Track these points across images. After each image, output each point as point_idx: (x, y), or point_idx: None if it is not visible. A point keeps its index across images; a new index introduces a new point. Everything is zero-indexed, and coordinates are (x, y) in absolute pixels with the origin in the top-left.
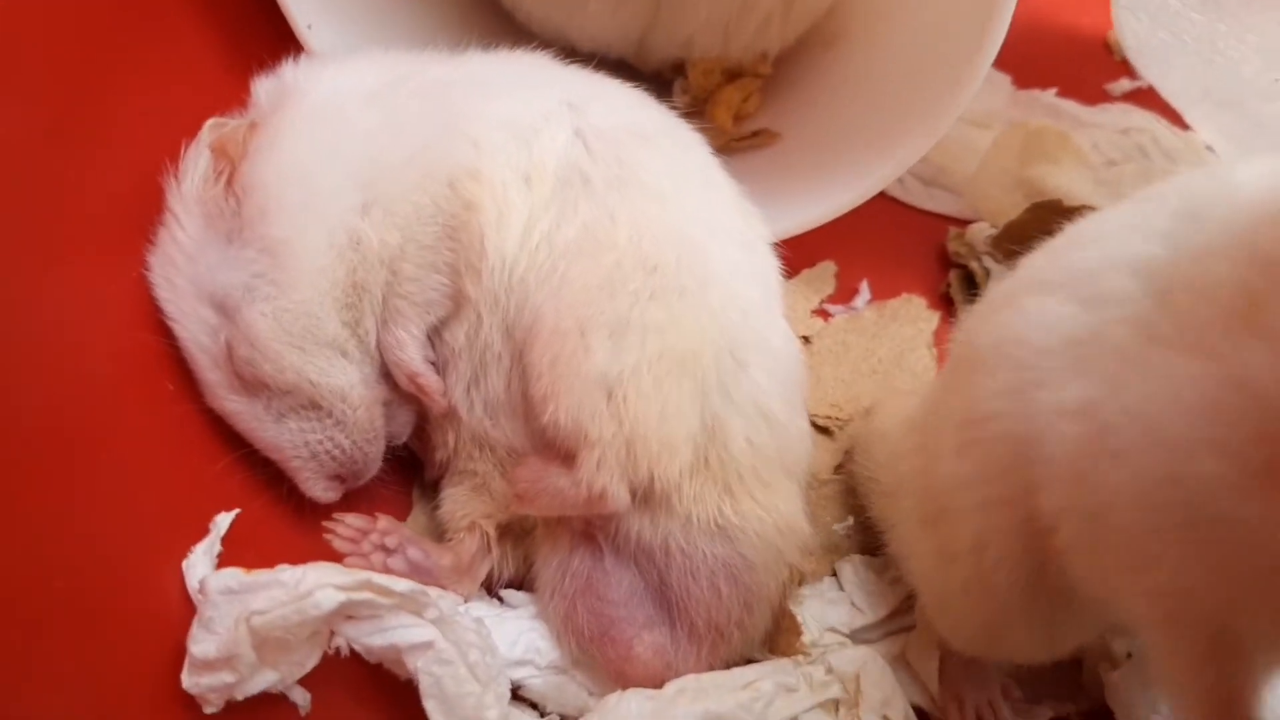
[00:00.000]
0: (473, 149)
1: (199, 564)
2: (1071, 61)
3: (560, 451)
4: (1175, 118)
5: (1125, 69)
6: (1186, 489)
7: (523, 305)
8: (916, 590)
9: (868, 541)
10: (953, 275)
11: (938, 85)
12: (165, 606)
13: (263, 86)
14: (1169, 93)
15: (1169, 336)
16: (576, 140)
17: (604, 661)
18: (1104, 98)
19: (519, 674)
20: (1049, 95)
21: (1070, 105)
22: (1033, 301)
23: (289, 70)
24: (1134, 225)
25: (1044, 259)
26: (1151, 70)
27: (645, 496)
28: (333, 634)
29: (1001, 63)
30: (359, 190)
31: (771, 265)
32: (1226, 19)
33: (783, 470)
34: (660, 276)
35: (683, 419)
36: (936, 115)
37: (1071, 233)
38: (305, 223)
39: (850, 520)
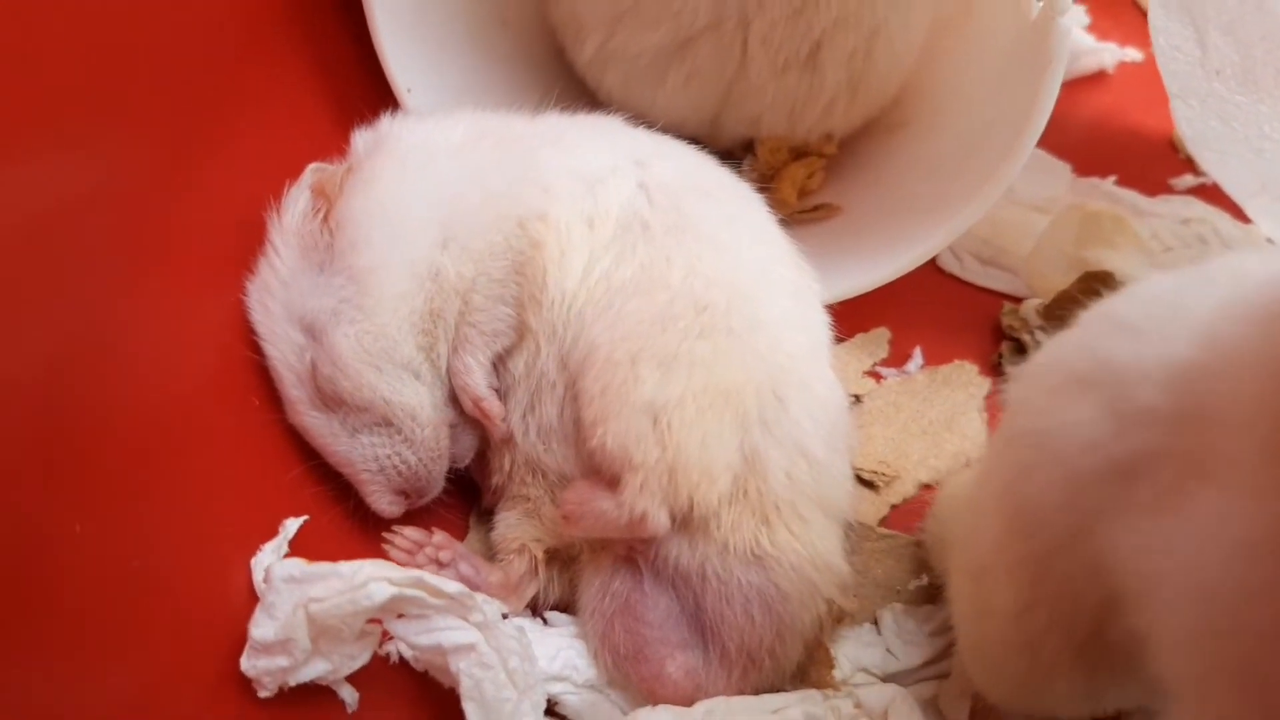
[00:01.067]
0: (543, 194)
1: (266, 560)
2: (1136, 157)
3: (606, 476)
4: (1238, 211)
5: (1190, 166)
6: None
7: (578, 337)
8: (958, 639)
9: (914, 596)
10: (1005, 346)
11: (986, 166)
12: (233, 598)
13: (361, 137)
14: (1228, 185)
15: (1207, 469)
16: (640, 191)
17: (637, 680)
18: (1167, 191)
19: (556, 689)
20: (1109, 184)
21: (1130, 194)
22: (1070, 409)
23: (386, 122)
24: (1175, 314)
25: (1076, 342)
26: (1210, 162)
27: (684, 522)
28: (385, 637)
29: (1064, 152)
30: (440, 228)
31: (821, 318)
32: (1266, 99)
33: (820, 508)
34: (709, 316)
35: (723, 448)
36: (984, 191)
37: (1110, 308)
38: (390, 254)
39: (924, 579)
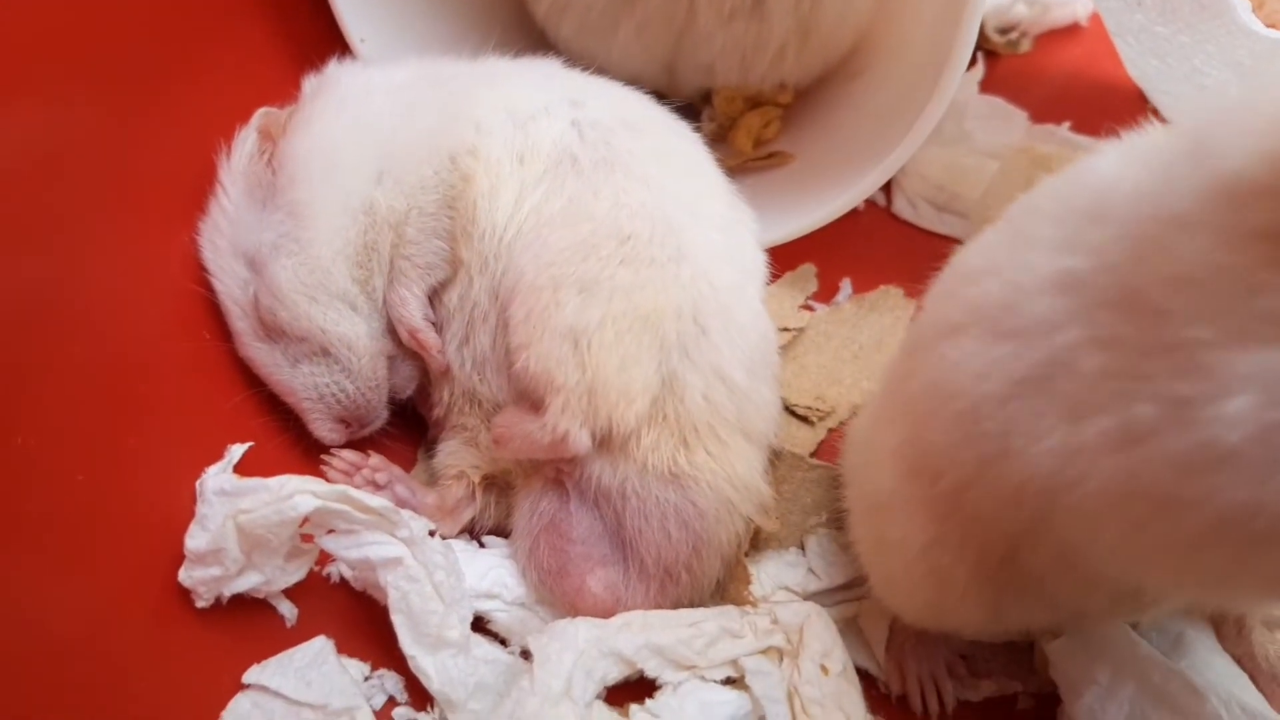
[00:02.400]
0: (474, 130)
1: (211, 481)
2: (1105, 108)
3: (532, 399)
4: None
5: (1158, 117)
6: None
7: (508, 268)
8: (865, 567)
9: (842, 521)
10: None
11: (916, 111)
12: (177, 516)
13: (310, 82)
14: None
15: (1201, 338)
16: (572, 128)
17: (560, 594)
18: None
19: (486, 605)
20: (1064, 130)
21: (1086, 140)
22: (950, 347)
23: (332, 67)
24: (1023, 244)
25: (943, 301)
26: (1166, 106)
27: (605, 442)
28: (324, 558)
29: (1030, 103)
30: (374, 163)
31: (753, 253)
32: (1185, 30)
33: (740, 432)
34: (632, 245)
35: (641, 371)
36: (910, 136)
37: (955, 271)
38: (325, 189)
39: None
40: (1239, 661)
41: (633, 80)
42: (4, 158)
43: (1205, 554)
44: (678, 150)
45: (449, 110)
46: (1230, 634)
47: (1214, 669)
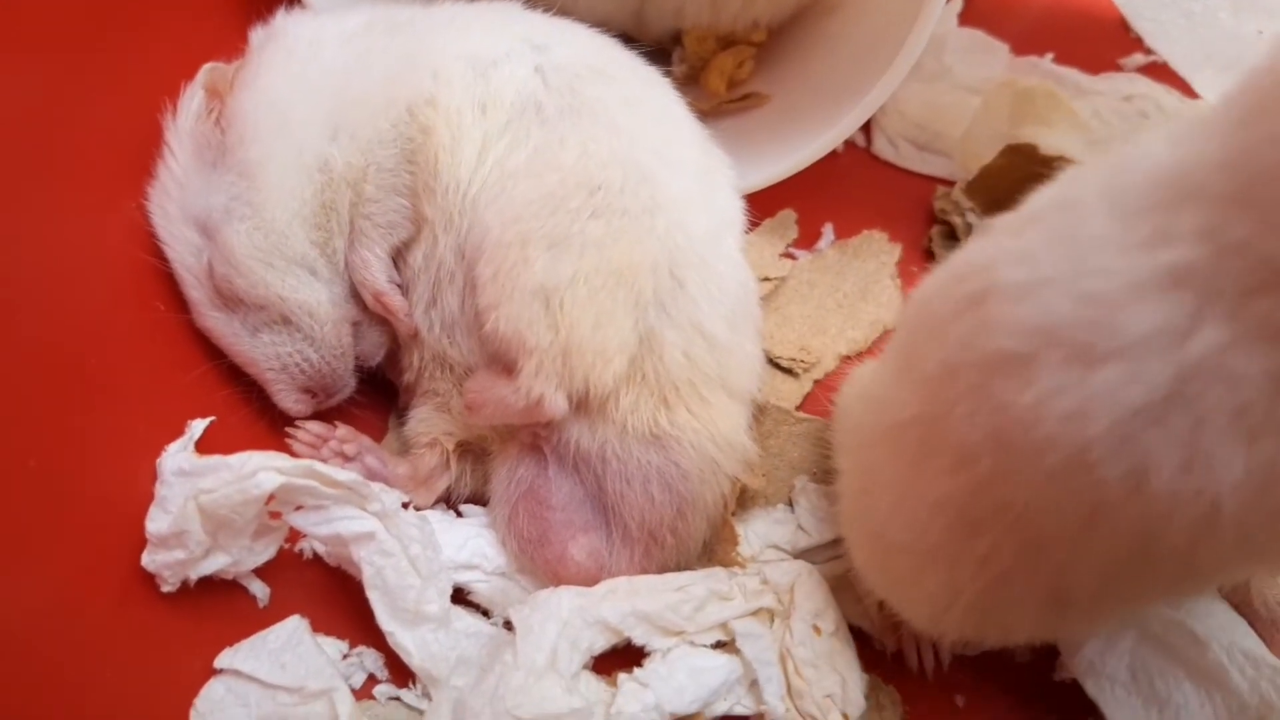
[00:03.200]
0: (431, 79)
1: (172, 459)
2: (1088, 36)
3: (504, 362)
4: (1187, 89)
5: (1140, 45)
6: None
7: (474, 224)
8: (857, 565)
9: (831, 477)
10: (935, 230)
11: (894, 47)
12: (140, 499)
13: (257, 34)
14: (1172, 59)
15: None
16: (535, 75)
17: (542, 563)
18: (1117, 70)
19: (466, 577)
20: (1047, 62)
21: (1071, 73)
22: (1015, 389)
23: (280, 17)
24: (1081, 250)
25: (976, 326)
26: (1152, 35)
27: (582, 404)
28: (294, 535)
29: (1012, 34)
30: (328, 117)
31: (730, 201)
32: None
33: (723, 388)
34: (603, 196)
35: (617, 329)
36: (889, 75)
37: (980, 282)
38: (277, 146)
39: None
40: (1238, 609)
41: (600, 24)
42: None
43: None
44: (647, 95)
45: (404, 58)
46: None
47: (1215, 616)
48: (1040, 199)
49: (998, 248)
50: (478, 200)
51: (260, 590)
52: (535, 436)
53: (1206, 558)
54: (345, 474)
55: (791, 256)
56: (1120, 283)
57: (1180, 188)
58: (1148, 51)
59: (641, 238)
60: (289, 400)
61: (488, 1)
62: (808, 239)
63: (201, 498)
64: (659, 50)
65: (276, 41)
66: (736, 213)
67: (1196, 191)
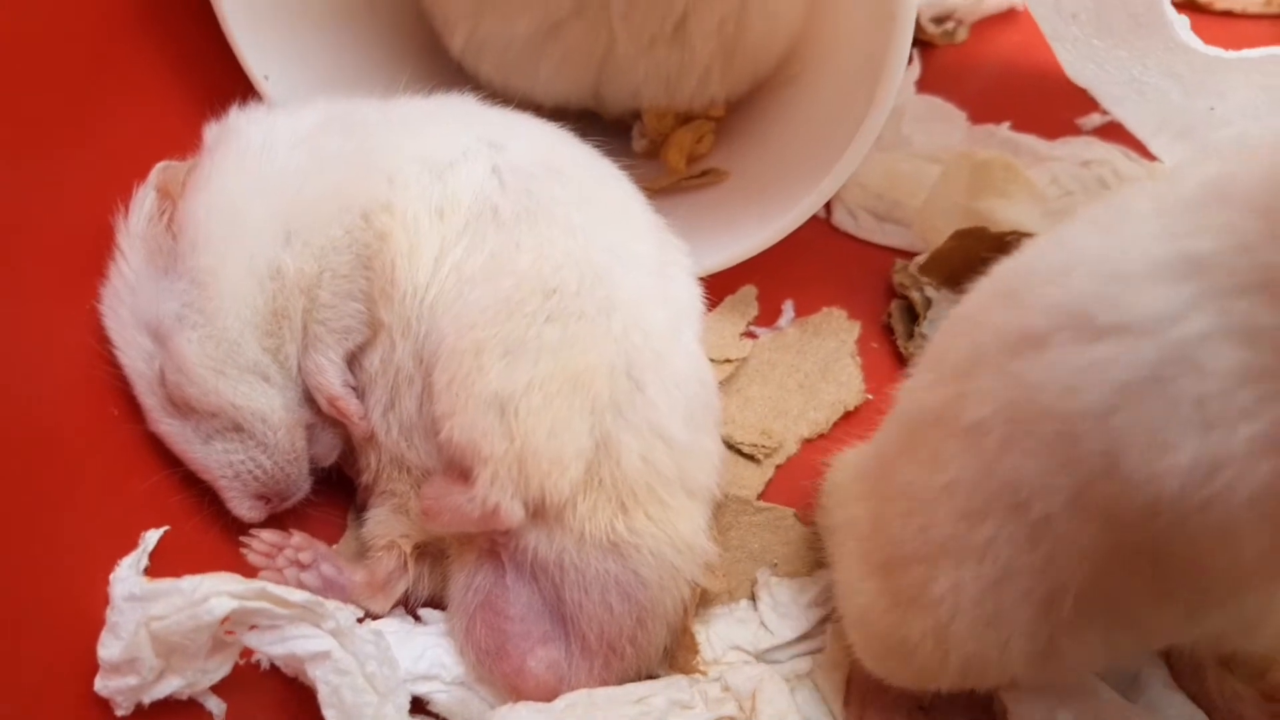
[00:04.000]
0: (386, 183)
1: (125, 576)
2: (1044, 96)
3: (460, 469)
4: (1145, 151)
5: (1096, 104)
6: None
7: (431, 330)
8: (852, 637)
9: (794, 568)
10: (894, 305)
11: (854, 122)
12: (94, 615)
13: (211, 131)
14: (1128, 124)
15: None
16: (492, 175)
17: (500, 676)
18: (1075, 131)
19: (425, 688)
20: (1004, 130)
21: (1028, 139)
22: (1027, 365)
23: (233, 114)
24: (1120, 237)
25: (1007, 307)
26: (1107, 100)
27: (539, 512)
28: (247, 648)
29: (969, 97)
30: (280, 223)
31: (687, 291)
32: (1122, 45)
33: (683, 489)
34: (559, 300)
35: (572, 435)
36: (848, 156)
37: (1021, 271)
38: (229, 253)
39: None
40: (1196, 699)
41: (560, 102)
42: None
43: None
44: (603, 192)
45: (359, 161)
46: (1185, 671)
47: (1173, 706)
48: (1097, 204)
49: (1036, 246)
50: (435, 305)
51: (217, 706)
52: (493, 543)
53: (1166, 565)
54: (299, 594)
55: (752, 335)
56: (1142, 264)
57: (1220, 189)
58: (1104, 111)
59: (598, 340)
60: (243, 507)
61: (442, 95)
62: (768, 315)
63: (153, 624)
64: (619, 125)
65: (230, 141)
66: (694, 301)
67: (1232, 193)
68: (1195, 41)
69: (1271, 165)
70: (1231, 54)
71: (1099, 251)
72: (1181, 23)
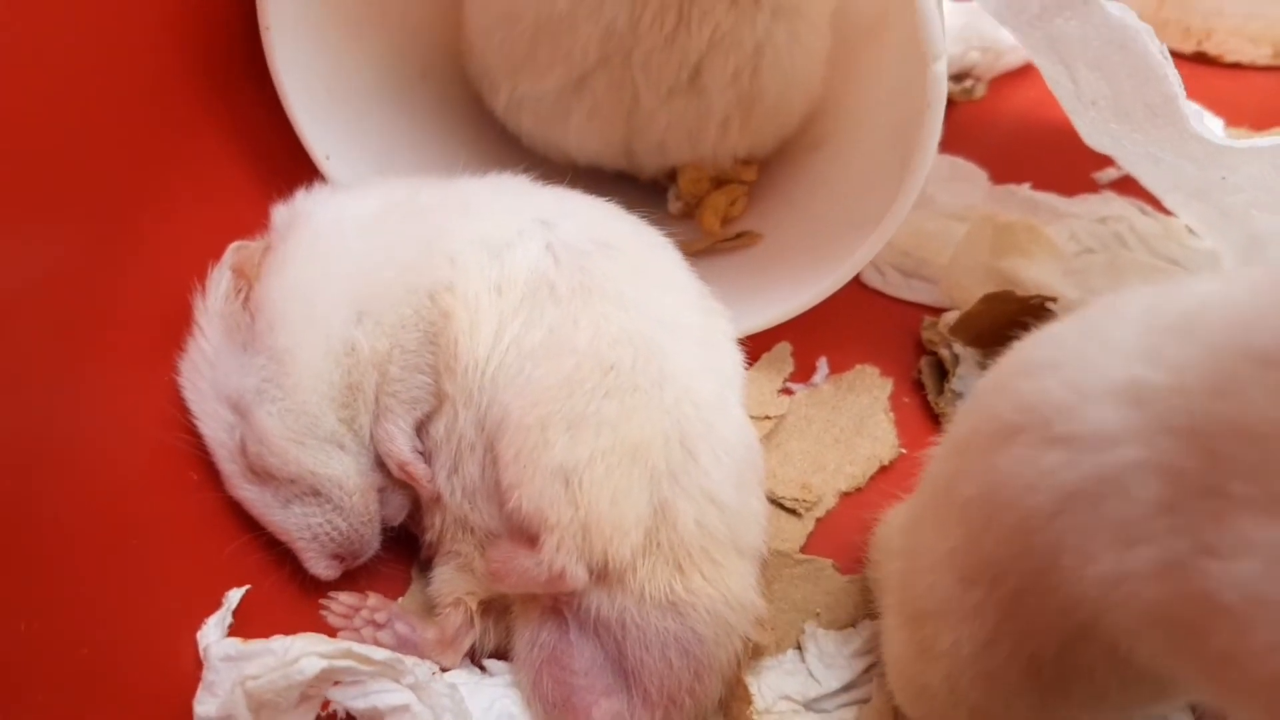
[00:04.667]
0: (449, 265)
1: (210, 634)
2: (1060, 150)
3: (526, 534)
4: (1160, 204)
5: (1112, 160)
6: None
7: (493, 401)
8: (891, 679)
9: (835, 618)
10: (923, 362)
11: (888, 194)
12: (182, 672)
13: (280, 212)
14: (1143, 181)
15: (1238, 493)
16: (546, 253)
17: None
18: (1093, 186)
19: None
20: (1025, 190)
21: (1047, 198)
22: (1002, 456)
23: (301, 198)
24: (1096, 344)
25: (995, 395)
26: (1125, 165)
27: (601, 575)
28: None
29: (986, 153)
30: (353, 304)
31: (731, 357)
32: (1139, 130)
33: (734, 549)
34: (616, 376)
35: (633, 504)
36: (886, 216)
37: (1013, 362)
38: (306, 333)
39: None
40: None
41: (595, 163)
42: None
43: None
44: (652, 264)
45: (423, 246)
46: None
47: None
48: (1100, 301)
49: (1040, 332)
50: (496, 378)
51: None
52: (556, 601)
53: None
54: (381, 652)
55: (789, 391)
56: (1099, 381)
57: (1189, 322)
58: (1120, 166)
59: (653, 413)
60: (319, 566)
61: (496, 176)
62: (803, 372)
63: (248, 684)
64: (654, 187)
65: (300, 225)
66: (737, 367)
67: (1196, 331)
68: (1209, 133)
69: (1231, 314)
70: (1243, 143)
71: (1073, 356)
72: (1196, 115)
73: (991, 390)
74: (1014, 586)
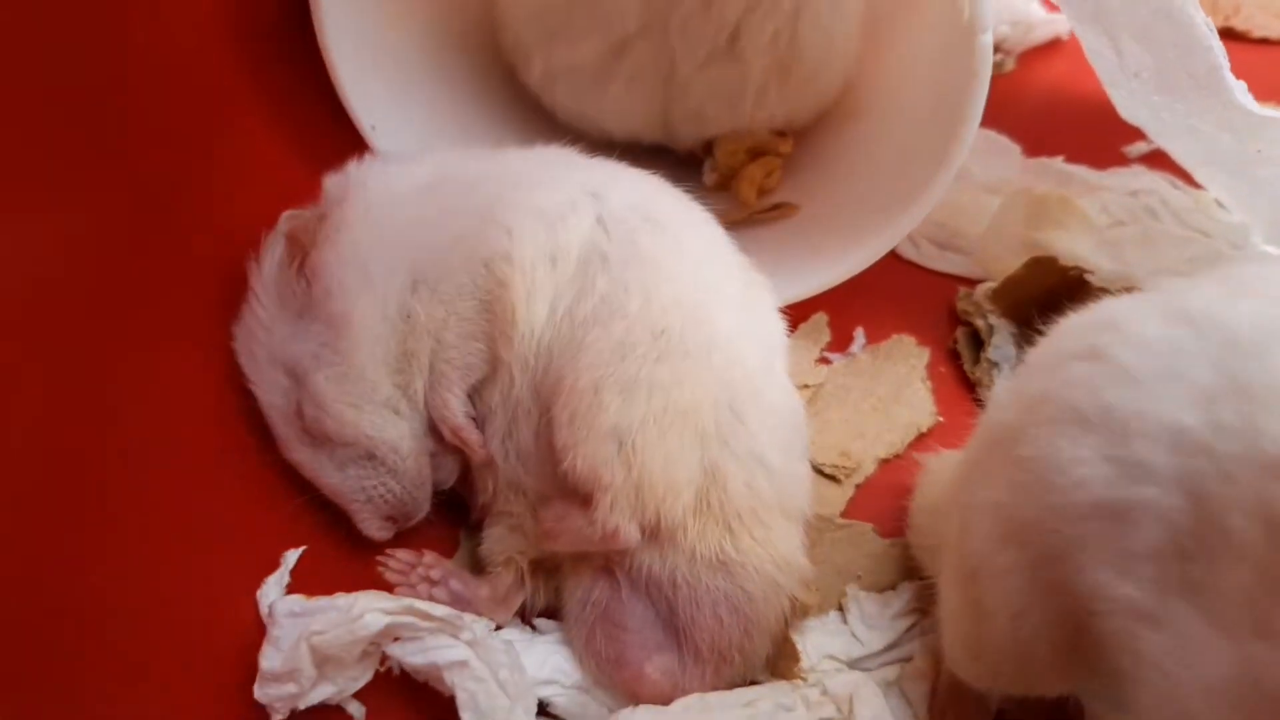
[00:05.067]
0: (506, 235)
1: (270, 593)
2: (1090, 124)
3: (579, 495)
4: (1189, 178)
5: (1142, 133)
6: None
7: (548, 368)
8: (947, 637)
9: (876, 580)
10: (960, 332)
11: (927, 167)
12: (242, 629)
13: (331, 182)
14: (1174, 155)
15: (1204, 585)
16: (598, 225)
17: (619, 682)
18: (1121, 160)
19: (546, 692)
20: (1058, 162)
21: (1080, 170)
22: (1069, 441)
23: (353, 168)
24: (1170, 375)
25: (1075, 382)
26: (1158, 139)
27: (653, 534)
28: (385, 655)
29: (1018, 126)
30: (408, 272)
31: (774, 325)
32: (1181, 101)
33: (780, 512)
34: (666, 340)
35: (684, 465)
36: (928, 186)
37: (1096, 348)
38: (362, 300)
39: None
40: None
41: (631, 135)
42: (36, 268)
43: None
44: (696, 235)
45: (479, 217)
46: None
47: None
48: (1200, 295)
49: (1141, 326)
50: (551, 345)
51: (357, 710)
52: (608, 560)
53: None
54: (440, 609)
55: (826, 361)
56: (1155, 418)
57: (1261, 379)
58: (1150, 139)
59: (702, 377)
60: (373, 528)
61: (544, 148)
62: (840, 342)
63: (314, 639)
64: (690, 159)
65: (354, 196)
66: (781, 336)
67: (1258, 390)
68: (1253, 105)
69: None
70: None
71: (1154, 376)
72: (1241, 88)
73: (1065, 363)
74: (1040, 551)
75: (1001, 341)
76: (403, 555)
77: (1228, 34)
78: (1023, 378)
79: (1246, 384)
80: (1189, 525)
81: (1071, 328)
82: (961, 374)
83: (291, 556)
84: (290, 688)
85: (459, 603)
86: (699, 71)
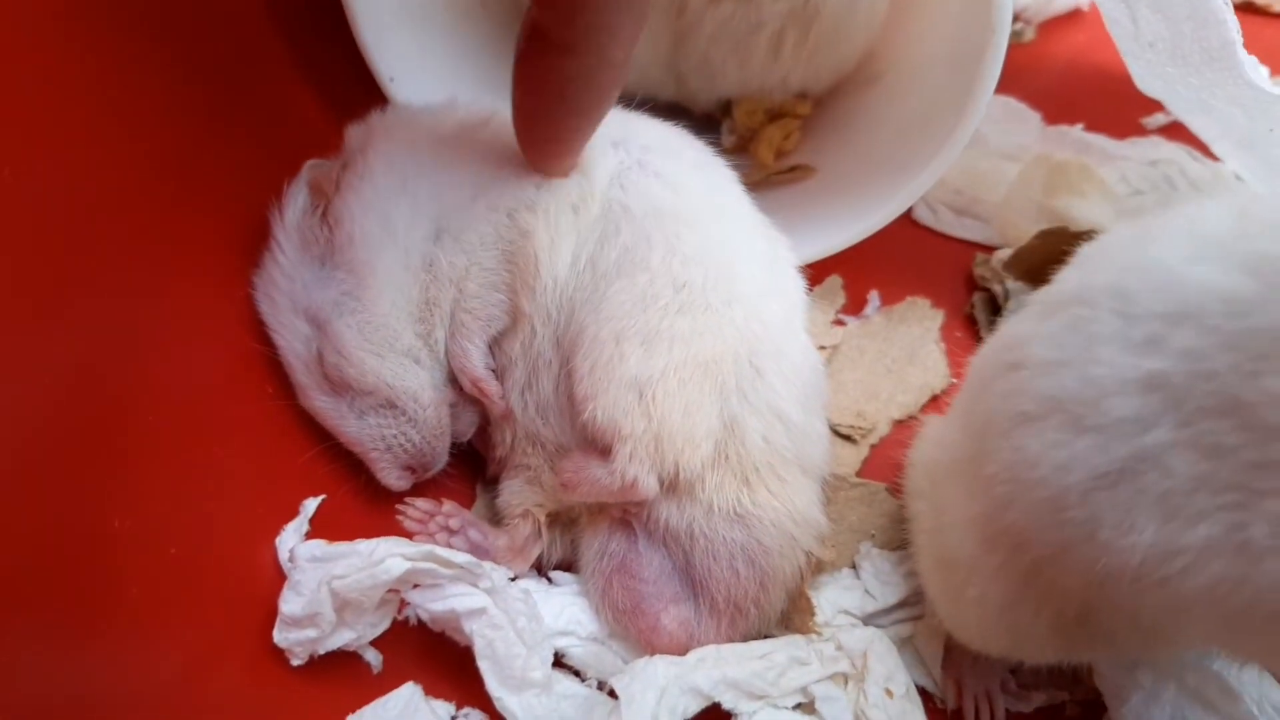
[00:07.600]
0: (534, 186)
1: (289, 539)
2: (1109, 95)
3: (599, 446)
4: (1208, 150)
5: (1161, 105)
6: None
7: (570, 319)
8: (934, 607)
9: (889, 539)
10: (976, 297)
11: (944, 129)
12: (262, 575)
13: (354, 132)
14: (1192, 128)
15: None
16: (620, 174)
17: (635, 632)
18: (1139, 131)
19: (562, 643)
20: (1077, 131)
21: (1099, 139)
22: (1030, 438)
23: (376, 118)
24: (1092, 340)
25: (1012, 392)
26: (1175, 111)
27: (672, 485)
28: (403, 604)
29: (1037, 95)
30: (431, 220)
31: (794, 283)
32: (1195, 75)
33: (798, 467)
34: (688, 293)
35: (704, 417)
36: (944, 148)
37: (1018, 357)
38: (384, 248)
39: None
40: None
41: (647, 91)
42: (56, 216)
43: None
44: (717, 189)
45: (502, 165)
46: None
47: (1247, 670)
48: (1065, 286)
49: (1032, 329)
50: (574, 297)
51: (374, 658)
52: (625, 512)
53: (1142, 612)
54: (461, 557)
55: (841, 323)
56: (1113, 375)
57: (1182, 304)
58: (1168, 111)
59: (723, 330)
60: (391, 478)
61: None
62: (855, 305)
63: (335, 583)
64: (708, 121)
65: (376, 145)
66: (800, 294)
67: (1195, 314)
68: (1263, 82)
69: (1238, 294)
70: None
71: (1078, 353)
72: (1251, 64)
73: (999, 375)
74: (1034, 557)
75: (1019, 306)
76: (422, 504)
77: (1248, 9)
78: (965, 409)
79: (1172, 309)
80: (1241, 439)
81: (983, 363)
82: (976, 338)
83: (311, 504)
84: (310, 632)
85: (478, 552)
86: (707, 8)
